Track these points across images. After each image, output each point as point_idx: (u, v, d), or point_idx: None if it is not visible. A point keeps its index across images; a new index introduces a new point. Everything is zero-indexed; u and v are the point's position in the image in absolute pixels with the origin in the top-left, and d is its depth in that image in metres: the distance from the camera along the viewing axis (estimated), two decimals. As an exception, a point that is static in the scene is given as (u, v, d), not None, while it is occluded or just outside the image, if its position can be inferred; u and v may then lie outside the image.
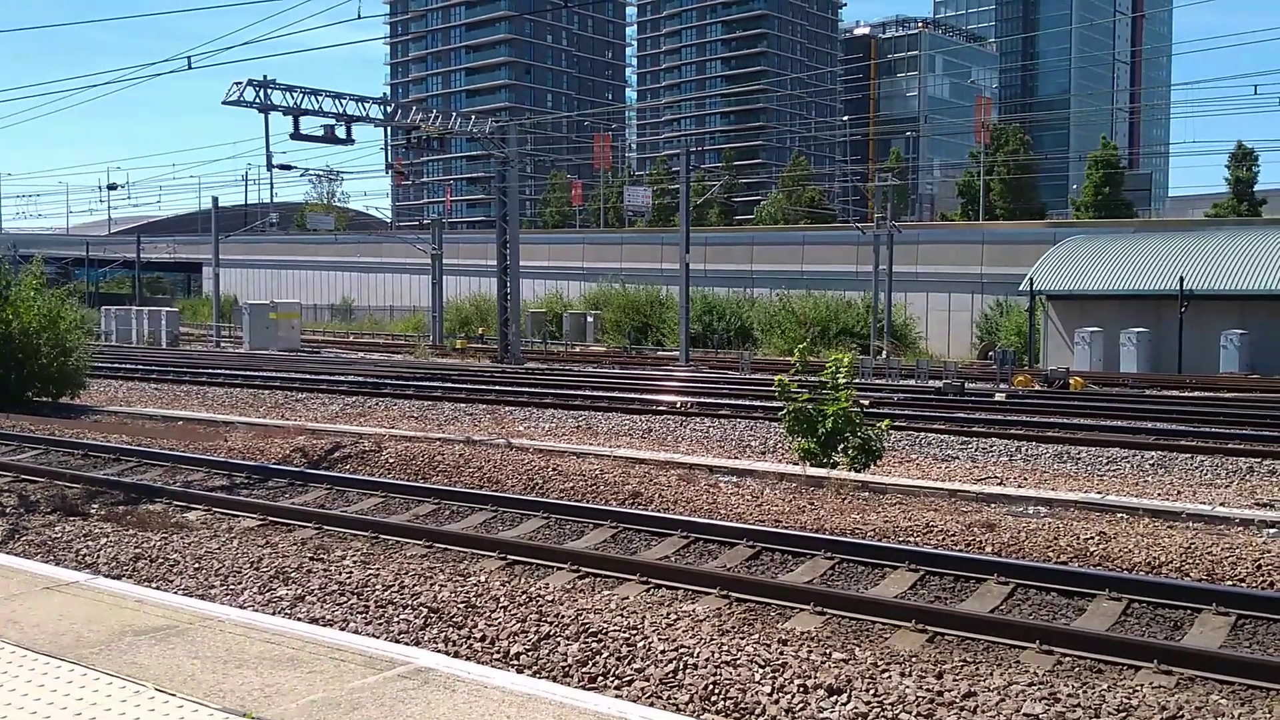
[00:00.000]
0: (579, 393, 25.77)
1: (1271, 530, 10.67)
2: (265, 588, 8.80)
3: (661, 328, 55.39)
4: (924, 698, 6.18)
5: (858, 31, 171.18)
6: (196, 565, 9.56)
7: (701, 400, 24.09)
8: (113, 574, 9.38)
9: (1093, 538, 10.14)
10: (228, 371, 32.79)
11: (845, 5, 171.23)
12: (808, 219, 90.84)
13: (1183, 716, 6.02)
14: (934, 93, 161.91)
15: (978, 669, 6.77)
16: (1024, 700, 6.17)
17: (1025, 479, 14.73)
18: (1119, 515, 11.46)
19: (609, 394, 25.47)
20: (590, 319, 57.55)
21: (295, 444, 16.79)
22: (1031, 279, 41.40)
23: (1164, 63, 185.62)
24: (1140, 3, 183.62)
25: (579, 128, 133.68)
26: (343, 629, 7.64)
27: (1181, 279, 37.49)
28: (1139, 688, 6.54)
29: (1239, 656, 7.19)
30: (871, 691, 6.23)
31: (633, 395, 25.30)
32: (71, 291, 29.69)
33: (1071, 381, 30.65)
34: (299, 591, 8.64)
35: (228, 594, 8.76)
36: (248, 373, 32.10)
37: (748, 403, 23.27)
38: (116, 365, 34.67)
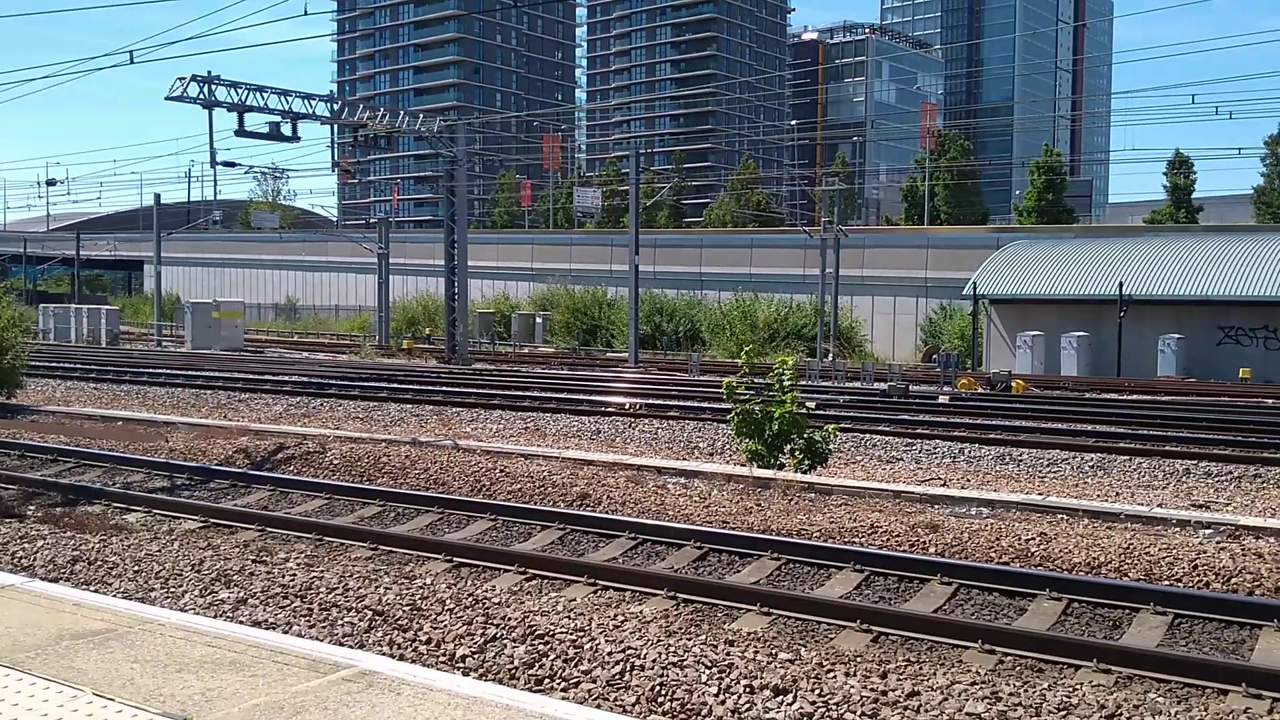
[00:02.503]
0: (527, 394, 25.69)
1: (1207, 531, 10.90)
2: (207, 590, 8.68)
3: (610, 329, 55.37)
4: (869, 697, 6.24)
5: (806, 37, 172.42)
6: (136, 568, 9.41)
7: (650, 402, 24.11)
8: (50, 577, 9.20)
9: (1034, 538, 10.29)
10: (169, 371, 32.29)
11: (794, 10, 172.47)
12: (756, 222, 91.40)
13: (1121, 715, 6.13)
14: (880, 98, 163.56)
15: (921, 669, 6.84)
16: (967, 699, 6.25)
17: (968, 480, 14.91)
18: (1059, 516, 11.64)
19: (557, 395, 25.42)
20: (539, 320, 57.40)
21: (238, 445, 16.58)
22: (975, 283, 41.93)
23: (1105, 71, 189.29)
24: (1082, 12, 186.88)
25: (528, 128, 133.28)
26: (286, 632, 7.56)
27: (1121, 284, 38.18)
28: (1079, 686, 6.65)
29: (1176, 655, 7.33)
30: (817, 691, 6.28)
31: (581, 396, 25.27)
32: (8, 289, 29.07)
33: (1013, 384, 31.07)
34: (241, 594, 8.53)
35: (168, 597, 8.63)
36: (190, 372, 31.63)
37: (696, 404, 23.33)
38: (55, 364, 33.99)
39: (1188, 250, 40.41)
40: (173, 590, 8.79)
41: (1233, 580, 9.11)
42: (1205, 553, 9.74)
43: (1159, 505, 12.62)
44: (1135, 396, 29.05)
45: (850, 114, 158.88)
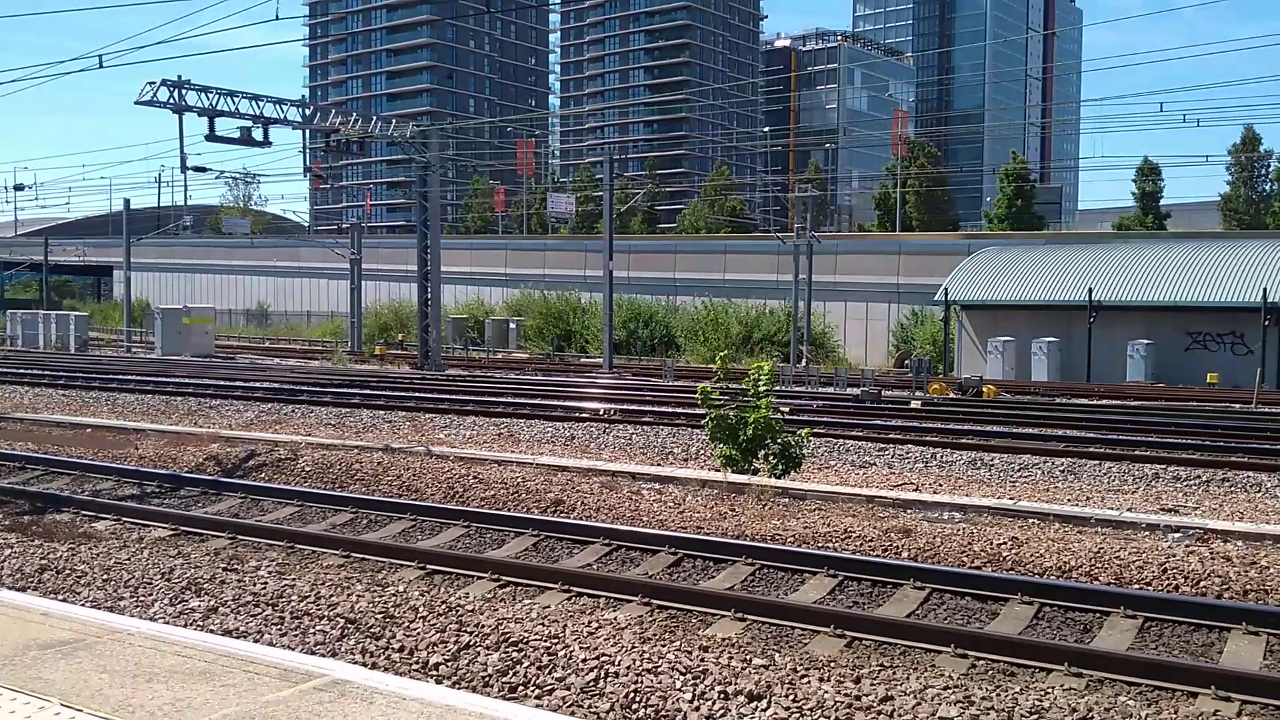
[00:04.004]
0: (501, 400, 25.63)
1: (1176, 535, 10.99)
2: (177, 599, 8.60)
3: (585, 334, 55.35)
4: (842, 702, 6.25)
5: (778, 44, 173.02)
6: (105, 576, 9.31)
7: (624, 407, 24.10)
8: (17, 586, 9.09)
9: (1005, 543, 10.35)
10: (139, 378, 32.00)
11: (766, 17, 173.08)
12: (729, 228, 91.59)
13: (1093, 717, 6.17)
14: (853, 105, 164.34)
15: (895, 673, 6.87)
16: (939, 704, 6.27)
17: (940, 485, 14.98)
18: (1030, 521, 11.71)
19: (531, 401, 25.37)
20: (513, 325, 57.29)
21: (209, 452, 16.45)
22: (946, 289, 42.17)
23: (1074, 79, 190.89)
24: (1052, 20, 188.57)
25: (502, 133, 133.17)
26: (257, 641, 7.50)
27: (1090, 290, 38.50)
28: (1051, 690, 6.69)
29: (1146, 658, 7.39)
30: (791, 697, 6.29)
31: (555, 402, 25.23)
32: (-26, 294, 28.76)
33: (985, 389, 31.26)
34: (212, 603, 8.46)
35: (138, 606, 8.55)
36: (160, 379, 31.37)
37: (670, 410, 23.34)
38: (22, 371, 33.65)
39: (1156, 257, 40.82)
40: (142, 599, 8.70)
41: (1202, 583, 9.19)
42: (1174, 556, 9.83)
43: (1129, 509, 12.72)
44: (1105, 401, 29.28)
45: (823, 121, 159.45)
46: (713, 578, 9.70)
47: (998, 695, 6.44)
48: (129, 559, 9.87)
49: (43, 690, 5.09)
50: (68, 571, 9.53)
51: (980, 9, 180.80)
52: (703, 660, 6.89)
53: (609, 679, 6.62)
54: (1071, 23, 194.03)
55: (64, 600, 8.50)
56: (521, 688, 6.68)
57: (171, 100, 31.60)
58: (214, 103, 32.24)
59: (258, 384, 29.66)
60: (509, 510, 12.32)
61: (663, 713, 6.21)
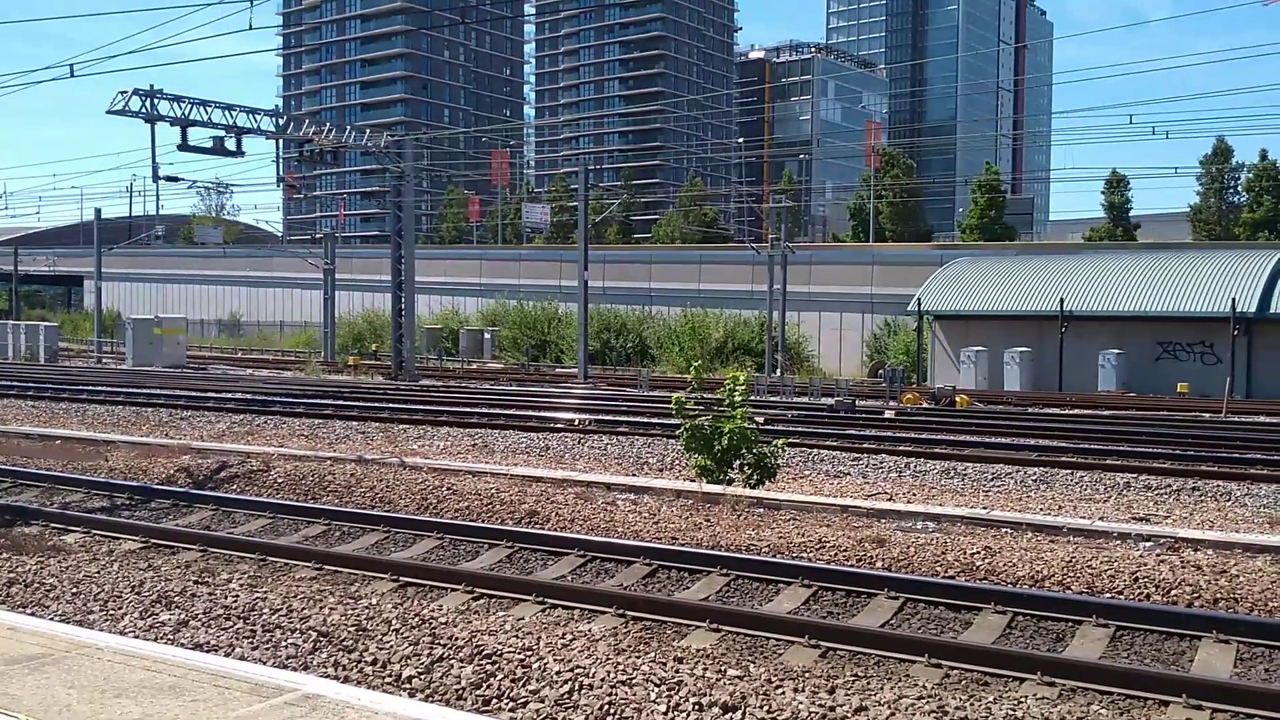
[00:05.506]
0: (475, 410, 25.55)
1: (1147, 544, 11.07)
2: (147, 613, 8.52)
3: (560, 344, 55.29)
4: (817, 713, 6.26)
5: (753, 55, 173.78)
6: (74, 590, 9.21)
7: (600, 417, 24.08)
8: (-17, 601, 8.98)
9: (979, 552, 10.40)
10: (109, 388, 31.72)
11: (740, 29, 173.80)
12: (704, 238, 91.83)
13: (1064, 726, 6.19)
14: (826, 117, 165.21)
15: (869, 683, 6.88)
16: (914, 713, 6.29)
17: (914, 495, 15.04)
18: (1003, 530, 11.77)
19: (506, 411, 25.30)
20: (487, 335, 57.16)
21: (180, 463, 16.32)
22: (919, 299, 42.39)
23: (1045, 91, 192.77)
24: (1023, 33, 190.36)
25: (476, 143, 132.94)
26: (228, 655, 7.44)
27: (1062, 300, 38.80)
28: (1023, 699, 6.72)
29: (1118, 667, 7.43)
30: (766, 708, 6.28)
31: (530, 413, 25.17)
32: (-59, 305, 28.45)
33: (958, 399, 31.42)
34: (182, 616, 8.38)
35: (107, 619, 8.46)
36: (130, 390, 31.09)
37: (646, 420, 23.34)
38: (-11, 382, 33.25)
39: (1127, 267, 41.18)
40: (112, 613, 8.61)
41: (1172, 592, 9.26)
42: (1146, 565, 9.90)
43: (1101, 518, 12.80)
44: (1077, 411, 29.48)
45: (796, 132, 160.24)
46: (688, 589, 9.69)
47: (971, 705, 6.46)
48: (98, 572, 9.78)
49: (9, 706, 5.02)
50: (36, 585, 9.42)
51: (952, 21, 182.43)
52: (678, 672, 6.88)
53: (583, 691, 6.60)
54: (1042, 35, 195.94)
55: (32, 614, 8.40)
56: (495, 700, 6.65)
57: (144, 110, 31.37)
58: (187, 112, 32.02)
59: (230, 395, 29.46)
60: (483, 522, 12.27)
61: (637, 725, 6.19)
